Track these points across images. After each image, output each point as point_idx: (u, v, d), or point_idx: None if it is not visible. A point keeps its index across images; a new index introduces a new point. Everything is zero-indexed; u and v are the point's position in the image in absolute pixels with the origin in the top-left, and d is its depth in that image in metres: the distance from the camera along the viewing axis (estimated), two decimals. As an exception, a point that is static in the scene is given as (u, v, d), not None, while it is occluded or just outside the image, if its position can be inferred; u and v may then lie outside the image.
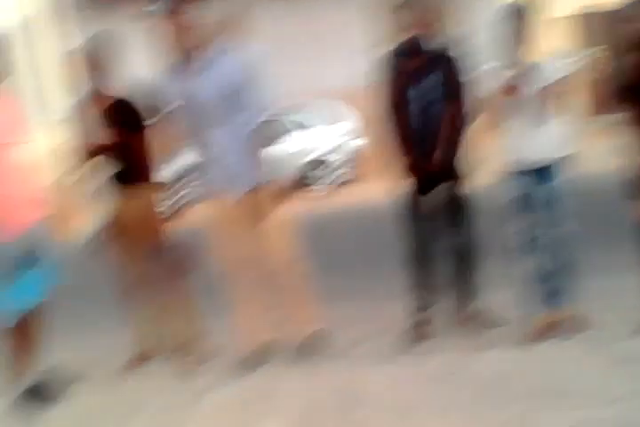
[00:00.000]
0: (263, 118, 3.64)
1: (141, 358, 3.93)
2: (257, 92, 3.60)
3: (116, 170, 3.78)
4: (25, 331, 3.56)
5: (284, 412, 3.22)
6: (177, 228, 3.89)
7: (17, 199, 3.48)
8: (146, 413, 3.39)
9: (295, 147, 10.54)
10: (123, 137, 3.70)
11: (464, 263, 3.82)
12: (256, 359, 3.73)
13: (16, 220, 3.46)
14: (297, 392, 3.41)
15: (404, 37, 3.75)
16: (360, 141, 10.67)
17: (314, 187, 10.63)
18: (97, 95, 3.75)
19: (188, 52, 3.55)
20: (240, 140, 3.59)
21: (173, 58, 3.58)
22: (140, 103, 3.74)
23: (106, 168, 3.80)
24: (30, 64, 10.09)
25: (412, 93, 3.71)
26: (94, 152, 3.76)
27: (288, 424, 3.11)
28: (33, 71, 9.88)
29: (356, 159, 10.83)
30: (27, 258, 3.50)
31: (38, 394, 3.56)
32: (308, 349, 3.76)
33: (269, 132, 3.76)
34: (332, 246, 5.99)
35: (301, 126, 10.91)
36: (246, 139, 3.60)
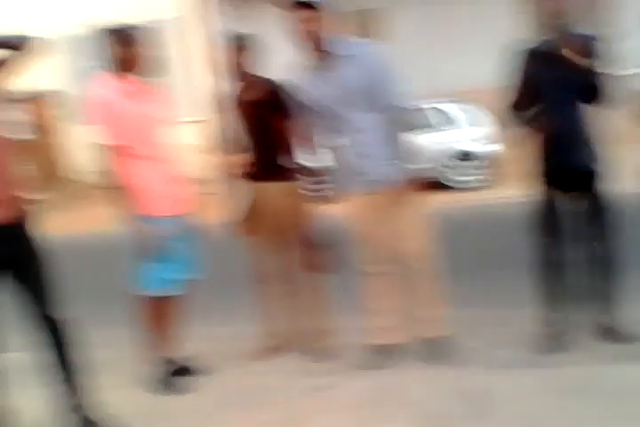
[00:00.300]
0: (405, 111, 3.66)
1: (270, 350, 4.07)
2: (396, 87, 3.61)
3: (259, 159, 3.90)
4: (169, 308, 3.78)
5: (405, 414, 3.24)
6: (318, 220, 3.97)
7: (179, 180, 3.75)
8: (269, 405, 3.49)
9: (436, 144, 10.42)
10: (270, 124, 3.83)
11: (603, 275, 3.69)
12: (382, 359, 3.77)
13: (180, 198, 3.72)
14: (420, 395, 3.42)
15: (542, 35, 3.65)
16: (496, 145, 10.45)
17: (452, 185, 10.51)
18: (245, 85, 3.88)
19: (329, 44, 3.58)
20: (381, 132, 3.62)
21: (313, 51, 3.61)
22: (284, 93, 3.84)
23: (248, 157, 3.93)
24: (182, 58, 10.57)
25: (548, 93, 3.63)
26: (239, 146, 3.92)
27: None
28: (185, 65, 10.35)
29: (492, 163, 10.62)
30: (185, 236, 3.73)
31: (170, 382, 3.78)
32: (436, 352, 3.76)
33: (411, 125, 3.77)
34: (464, 248, 5.92)
35: (444, 124, 10.79)
36: (387, 131, 3.63)
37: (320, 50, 3.59)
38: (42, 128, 11.24)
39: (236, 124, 3.92)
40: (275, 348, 4.08)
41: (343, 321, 4.04)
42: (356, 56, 3.59)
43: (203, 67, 10.19)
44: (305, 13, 3.50)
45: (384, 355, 3.78)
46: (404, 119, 3.69)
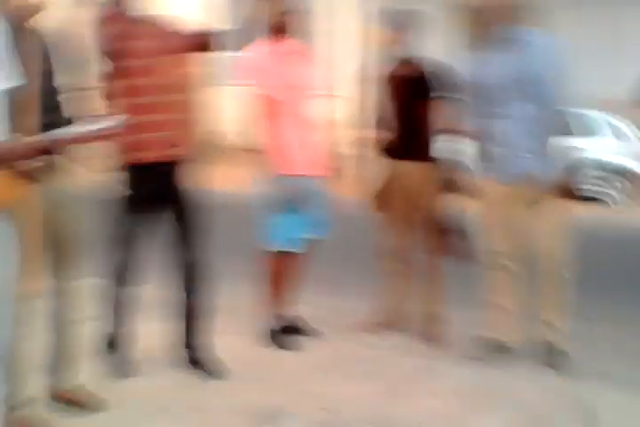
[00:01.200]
0: (561, 111, 3.57)
1: (380, 326, 4.09)
2: (556, 83, 3.51)
3: (401, 137, 3.90)
4: (289, 265, 3.88)
5: (504, 409, 3.18)
6: (451, 206, 3.94)
7: (318, 145, 3.82)
8: (369, 377, 3.50)
9: (579, 151, 10.05)
10: (419, 103, 3.83)
11: None
12: (492, 352, 3.70)
13: (316, 161, 3.80)
14: (524, 393, 3.33)
15: None
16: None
17: (591, 196, 10.12)
18: (401, 63, 3.88)
19: (490, 31, 3.52)
20: (531, 125, 3.53)
21: (475, 36, 3.59)
22: (435, 77, 3.82)
23: (390, 134, 3.94)
24: (330, 31, 10.66)
25: None
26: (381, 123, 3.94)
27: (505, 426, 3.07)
28: (331, 39, 10.42)
29: (636, 179, 10.15)
30: (315, 198, 3.82)
31: (278, 337, 3.88)
32: (549, 356, 3.65)
33: (562, 127, 3.65)
34: (595, 261, 5.70)
35: (589, 132, 10.38)
36: (538, 126, 3.53)
37: (493, 32, 3.52)
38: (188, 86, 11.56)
39: (382, 101, 3.92)
40: (385, 324, 4.10)
41: (459, 310, 4.01)
42: (533, 44, 3.50)
43: (350, 42, 10.21)
44: None
45: (494, 349, 3.71)
46: (558, 119, 3.57)
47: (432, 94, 3.82)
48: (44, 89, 2.50)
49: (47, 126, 2.43)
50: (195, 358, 3.49)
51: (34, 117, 2.15)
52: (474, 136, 3.72)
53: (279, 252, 3.80)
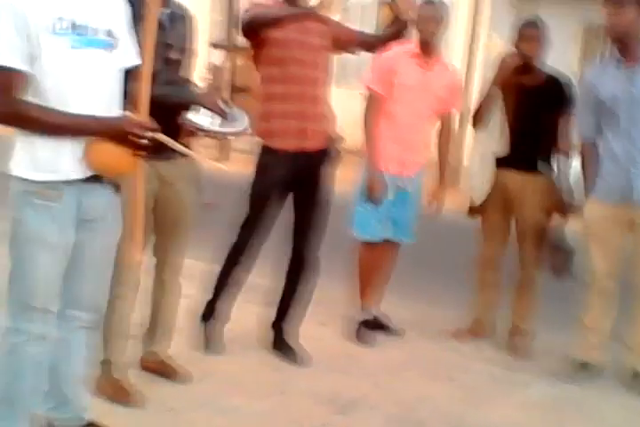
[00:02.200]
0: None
1: (468, 333, 4.06)
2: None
3: (516, 147, 3.83)
4: (378, 258, 3.94)
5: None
6: (555, 222, 3.88)
7: (419, 143, 3.87)
8: (447, 381, 3.50)
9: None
10: (540, 114, 3.78)
11: None
12: (578, 373, 3.62)
13: (414, 161, 3.85)
14: (607, 417, 3.26)
15: None
16: None
17: None
18: (525, 72, 3.78)
19: (624, 43, 3.42)
20: None
21: (610, 49, 3.51)
22: (565, 87, 3.79)
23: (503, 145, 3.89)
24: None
25: None
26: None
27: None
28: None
29: None
30: (405, 199, 3.86)
31: (361, 331, 3.93)
32: (635, 381, 3.55)
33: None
34: None
35: None
36: None
37: (626, 47, 3.43)
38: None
39: (497, 109, 3.87)
40: (472, 333, 4.06)
41: (549, 326, 3.96)
42: None
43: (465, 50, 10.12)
44: (613, 8, 3.36)
45: (580, 368, 3.63)
46: None
47: (554, 107, 3.77)
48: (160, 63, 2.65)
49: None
50: (282, 344, 3.61)
51: (147, 93, 2.28)
52: (585, 153, 3.65)
53: (369, 244, 3.87)
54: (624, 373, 3.61)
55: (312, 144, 3.43)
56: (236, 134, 2.97)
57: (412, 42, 3.75)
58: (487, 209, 3.94)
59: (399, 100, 3.74)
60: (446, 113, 3.95)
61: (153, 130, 2.24)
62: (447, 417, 3.12)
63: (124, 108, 2.31)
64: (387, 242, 3.92)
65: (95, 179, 2.26)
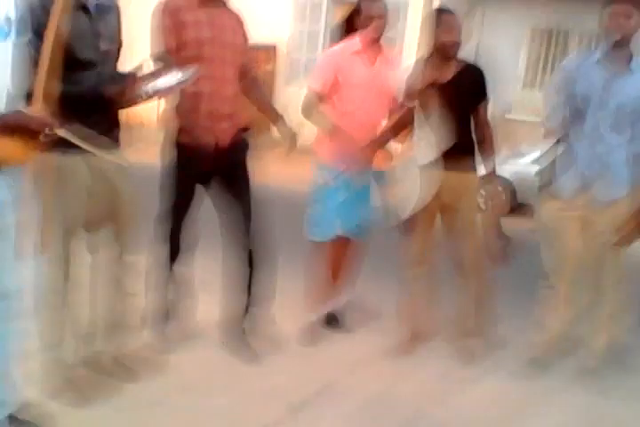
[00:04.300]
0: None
1: (410, 345, 3.87)
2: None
3: (450, 145, 3.59)
4: (334, 256, 3.91)
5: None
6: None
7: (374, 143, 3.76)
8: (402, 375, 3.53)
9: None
10: (463, 107, 3.60)
11: None
12: (534, 368, 3.65)
13: (375, 157, 3.77)
14: (572, 409, 3.30)
15: None
16: None
17: None
18: (446, 67, 3.58)
19: (619, 42, 3.34)
20: (623, 149, 3.41)
21: (603, 45, 3.41)
22: (476, 78, 3.62)
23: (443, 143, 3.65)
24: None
25: None
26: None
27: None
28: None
29: None
30: (366, 193, 3.83)
31: (330, 323, 3.99)
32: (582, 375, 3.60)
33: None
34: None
35: None
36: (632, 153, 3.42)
37: (621, 47, 3.37)
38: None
39: (421, 108, 3.62)
40: (420, 335, 3.89)
41: (504, 323, 3.95)
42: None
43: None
44: (620, 7, 3.29)
45: (535, 366, 3.65)
46: None
47: (479, 97, 3.62)
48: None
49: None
50: (238, 340, 3.58)
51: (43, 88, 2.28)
52: (550, 152, 3.61)
53: (321, 243, 3.85)
54: (577, 369, 3.64)
55: (224, 140, 3.38)
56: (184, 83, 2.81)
57: (355, 38, 3.72)
58: (419, 219, 3.72)
59: (349, 99, 3.70)
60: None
61: (50, 126, 2.23)
62: (402, 414, 3.11)
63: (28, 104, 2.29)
64: (341, 239, 3.88)
65: None
